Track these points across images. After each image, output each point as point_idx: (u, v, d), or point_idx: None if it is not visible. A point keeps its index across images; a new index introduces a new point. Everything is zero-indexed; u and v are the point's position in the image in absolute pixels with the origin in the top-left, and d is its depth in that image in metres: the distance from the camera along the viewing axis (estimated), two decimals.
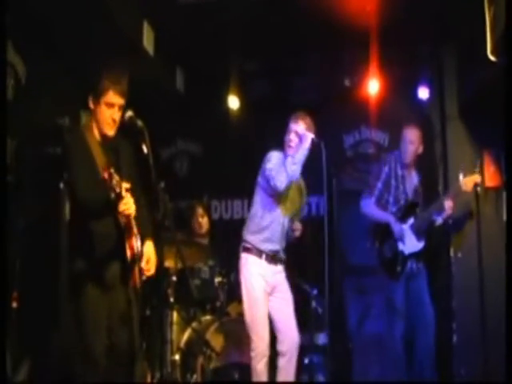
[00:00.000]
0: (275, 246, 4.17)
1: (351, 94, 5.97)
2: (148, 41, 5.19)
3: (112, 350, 3.29)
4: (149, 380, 4.32)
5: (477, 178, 4.70)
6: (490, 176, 5.39)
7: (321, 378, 5.02)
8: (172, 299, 4.65)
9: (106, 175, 3.06)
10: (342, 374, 5.22)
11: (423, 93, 5.90)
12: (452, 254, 5.54)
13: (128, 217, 3.25)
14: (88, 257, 3.28)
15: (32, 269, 4.13)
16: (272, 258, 4.16)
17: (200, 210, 5.62)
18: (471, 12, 4.42)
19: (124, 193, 3.12)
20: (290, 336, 4.10)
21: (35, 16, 4.33)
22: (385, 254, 4.77)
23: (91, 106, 3.38)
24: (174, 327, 4.67)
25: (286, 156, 4.11)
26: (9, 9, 3.44)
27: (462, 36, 5.29)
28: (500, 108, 3.71)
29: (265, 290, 4.10)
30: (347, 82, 6.04)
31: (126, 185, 3.14)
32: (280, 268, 4.23)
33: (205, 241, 5.55)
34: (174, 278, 4.71)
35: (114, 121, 3.35)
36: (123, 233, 3.29)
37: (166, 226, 3.46)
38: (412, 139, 4.78)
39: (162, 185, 3.50)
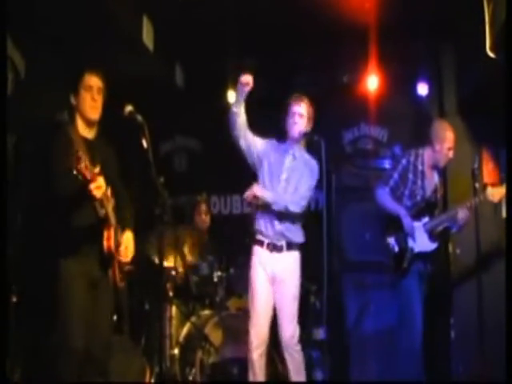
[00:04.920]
0: None
1: (350, 91, 5.97)
2: (147, 36, 5.19)
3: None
4: (148, 374, 4.33)
5: (503, 190, 4.33)
6: (489, 173, 5.38)
7: (319, 374, 5.03)
8: (171, 294, 4.66)
9: (74, 160, 3.05)
10: (340, 370, 5.24)
11: (422, 89, 5.91)
12: (450, 251, 5.55)
13: (100, 201, 3.23)
14: (69, 251, 3.30)
15: (29, 266, 4.12)
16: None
17: (204, 207, 5.65)
18: (470, 8, 4.42)
19: (93, 176, 3.10)
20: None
21: (34, 10, 4.32)
22: (391, 249, 4.55)
23: (73, 101, 3.43)
24: (173, 322, 4.69)
25: (283, 141, 4.21)
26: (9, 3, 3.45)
27: (460, 32, 5.29)
28: (499, 105, 3.71)
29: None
30: (346, 79, 6.04)
31: (95, 169, 3.14)
32: None
33: (204, 236, 5.56)
34: (173, 273, 4.72)
35: (94, 100, 3.40)
36: (102, 225, 3.30)
37: (164, 221, 3.48)
38: (451, 146, 4.54)
39: (162, 180, 3.52)
